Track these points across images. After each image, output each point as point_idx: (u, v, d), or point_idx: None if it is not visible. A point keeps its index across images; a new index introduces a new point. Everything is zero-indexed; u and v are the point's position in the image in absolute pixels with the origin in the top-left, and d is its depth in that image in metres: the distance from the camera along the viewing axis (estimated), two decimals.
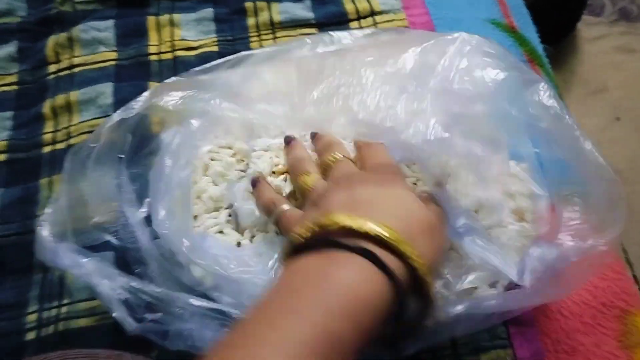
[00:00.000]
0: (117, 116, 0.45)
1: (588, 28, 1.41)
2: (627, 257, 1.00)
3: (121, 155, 0.46)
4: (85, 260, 0.41)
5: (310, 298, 0.28)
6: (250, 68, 0.51)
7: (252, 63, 0.51)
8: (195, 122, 0.47)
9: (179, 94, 0.47)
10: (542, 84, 0.42)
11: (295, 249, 0.32)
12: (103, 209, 0.44)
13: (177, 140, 0.47)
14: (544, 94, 0.41)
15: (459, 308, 0.38)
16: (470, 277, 0.40)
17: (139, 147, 0.48)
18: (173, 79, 0.48)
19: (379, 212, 0.32)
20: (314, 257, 0.31)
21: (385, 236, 0.30)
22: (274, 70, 0.49)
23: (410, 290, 0.31)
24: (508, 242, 0.45)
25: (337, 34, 0.51)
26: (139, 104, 0.46)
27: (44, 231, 0.41)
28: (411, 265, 0.30)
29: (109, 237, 0.45)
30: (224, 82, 0.48)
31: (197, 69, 0.48)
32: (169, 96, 0.46)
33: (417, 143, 0.40)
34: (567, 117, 0.41)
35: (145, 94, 0.46)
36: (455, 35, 0.44)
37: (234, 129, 0.50)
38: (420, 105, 0.42)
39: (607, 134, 1.24)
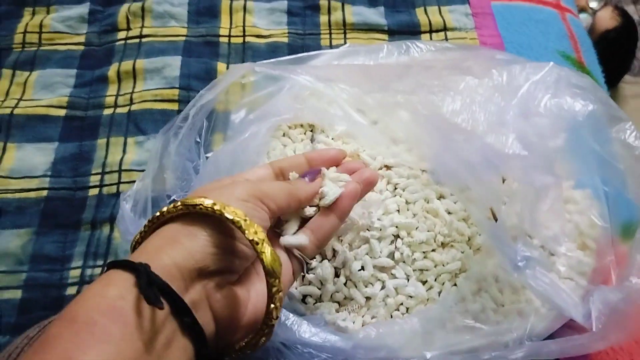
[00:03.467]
0: (204, 97, 0.45)
1: (626, 87, 1.42)
2: None
3: (198, 140, 0.47)
4: None
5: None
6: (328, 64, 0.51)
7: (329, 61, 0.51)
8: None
9: (259, 75, 0.47)
10: (629, 123, 0.42)
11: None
12: (180, 188, 0.44)
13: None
14: (630, 133, 0.41)
15: (519, 355, 0.37)
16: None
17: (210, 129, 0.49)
18: (248, 64, 0.48)
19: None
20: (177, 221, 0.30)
21: (210, 205, 0.29)
22: (355, 69, 0.49)
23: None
24: (569, 271, 0.44)
25: (420, 43, 0.51)
26: (221, 83, 0.45)
27: (126, 206, 0.41)
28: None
29: None
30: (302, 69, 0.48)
31: (277, 59, 0.48)
32: (251, 76, 0.47)
33: (489, 155, 0.39)
34: None
35: (222, 77, 0.46)
36: (545, 62, 0.44)
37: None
38: (502, 119, 0.42)
39: None
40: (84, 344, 0.23)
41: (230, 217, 0.28)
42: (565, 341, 0.38)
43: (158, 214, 0.30)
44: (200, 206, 0.29)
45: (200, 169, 0.45)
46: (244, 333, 0.30)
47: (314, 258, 0.42)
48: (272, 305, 0.29)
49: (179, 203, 0.29)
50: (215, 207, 0.28)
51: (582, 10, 1.21)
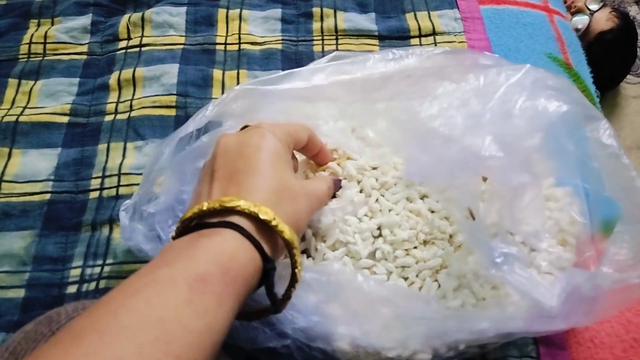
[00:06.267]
0: (190, 127, 0.47)
1: (628, 87, 1.42)
2: None
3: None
4: (152, 244, 0.43)
5: (179, 265, 0.30)
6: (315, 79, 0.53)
7: (316, 76, 0.53)
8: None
9: (246, 101, 0.49)
10: (603, 122, 0.43)
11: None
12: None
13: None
14: (604, 132, 0.42)
15: (485, 324, 0.39)
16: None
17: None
18: (241, 86, 0.49)
19: (251, 185, 0.35)
20: (187, 237, 0.33)
21: (249, 209, 0.33)
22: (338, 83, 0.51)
23: (276, 254, 0.35)
24: (549, 267, 0.46)
25: (404, 50, 0.53)
26: (209, 112, 0.47)
27: (124, 217, 0.45)
28: (275, 229, 0.34)
29: None
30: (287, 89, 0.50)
31: (264, 78, 0.50)
32: (236, 102, 0.49)
33: (466, 157, 0.41)
34: (624, 157, 0.42)
35: (214, 103, 0.48)
36: (522, 65, 0.45)
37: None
38: (478, 122, 0.43)
39: None
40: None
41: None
42: (529, 318, 0.39)
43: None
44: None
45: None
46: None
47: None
48: (296, 270, 0.35)
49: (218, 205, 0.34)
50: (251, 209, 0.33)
51: (579, 11, 1.22)
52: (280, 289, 0.35)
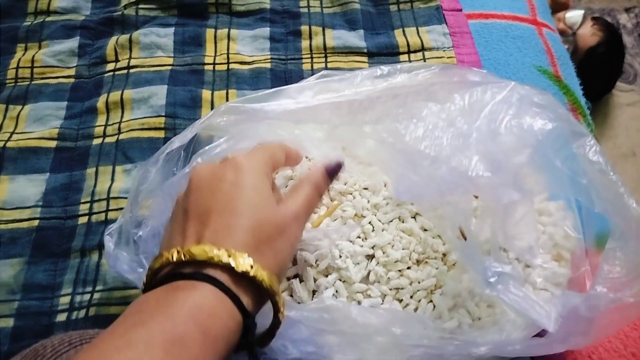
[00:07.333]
0: (175, 143, 0.46)
1: (621, 94, 1.43)
2: None
3: (175, 170, 0.48)
4: (140, 270, 0.42)
5: (155, 325, 0.28)
6: (302, 98, 0.52)
7: (304, 94, 0.53)
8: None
9: (231, 117, 0.49)
10: (589, 138, 0.43)
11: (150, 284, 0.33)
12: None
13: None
14: (590, 149, 0.42)
15: (483, 350, 0.38)
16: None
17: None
18: (227, 104, 0.49)
19: (227, 228, 0.33)
20: (161, 289, 0.31)
21: (226, 262, 0.31)
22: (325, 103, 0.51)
23: (257, 304, 0.33)
24: (544, 283, 0.45)
25: (392, 67, 0.52)
26: (194, 129, 0.47)
27: (109, 242, 0.44)
28: (254, 279, 0.32)
29: None
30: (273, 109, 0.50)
31: (251, 96, 0.50)
32: (222, 118, 0.48)
33: (455, 178, 0.40)
34: (611, 173, 0.42)
35: (199, 121, 0.48)
36: (508, 82, 0.45)
37: None
38: (465, 142, 0.43)
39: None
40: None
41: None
42: (527, 341, 0.39)
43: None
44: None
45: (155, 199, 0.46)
46: None
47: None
48: (279, 314, 0.34)
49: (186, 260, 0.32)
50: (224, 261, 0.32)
51: (562, 33, 1.21)
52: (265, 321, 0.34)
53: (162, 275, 0.32)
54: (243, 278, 0.32)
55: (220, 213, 0.33)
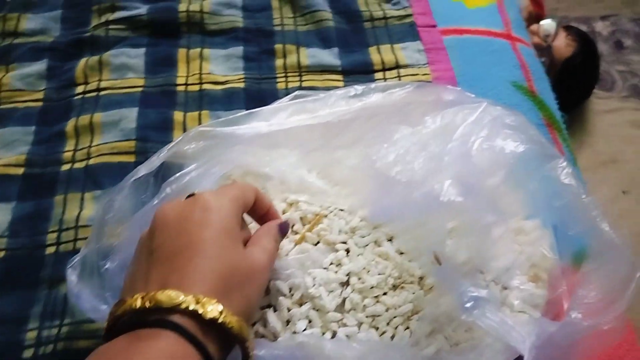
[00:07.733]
0: (141, 171, 0.45)
1: (599, 102, 1.44)
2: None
3: (144, 198, 0.47)
4: (104, 307, 0.40)
5: None
6: (275, 120, 0.51)
7: (277, 116, 0.52)
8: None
9: (201, 143, 0.48)
10: (561, 160, 0.42)
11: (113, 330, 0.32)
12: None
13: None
14: (562, 171, 0.42)
15: None
16: None
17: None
18: (196, 128, 0.48)
19: (194, 272, 0.31)
20: (123, 338, 0.30)
21: (193, 309, 0.30)
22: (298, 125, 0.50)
23: (224, 350, 0.32)
24: (521, 305, 0.45)
25: (366, 86, 0.52)
26: (162, 155, 0.46)
27: (72, 275, 0.41)
28: (223, 326, 0.30)
29: None
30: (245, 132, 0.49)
31: (221, 120, 0.49)
32: (190, 144, 0.47)
33: (428, 202, 0.40)
34: (584, 195, 0.41)
35: (167, 147, 0.47)
36: (480, 103, 0.45)
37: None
38: (438, 165, 0.42)
39: (615, 206, 1.24)
40: None
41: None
42: None
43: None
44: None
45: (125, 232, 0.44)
46: None
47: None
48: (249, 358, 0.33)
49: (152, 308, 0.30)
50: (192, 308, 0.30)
51: (537, 46, 1.21)
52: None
53: (124, 322, 0.31)
54: (210, 325, 0.30)
55: (187, 255, 0.32)
